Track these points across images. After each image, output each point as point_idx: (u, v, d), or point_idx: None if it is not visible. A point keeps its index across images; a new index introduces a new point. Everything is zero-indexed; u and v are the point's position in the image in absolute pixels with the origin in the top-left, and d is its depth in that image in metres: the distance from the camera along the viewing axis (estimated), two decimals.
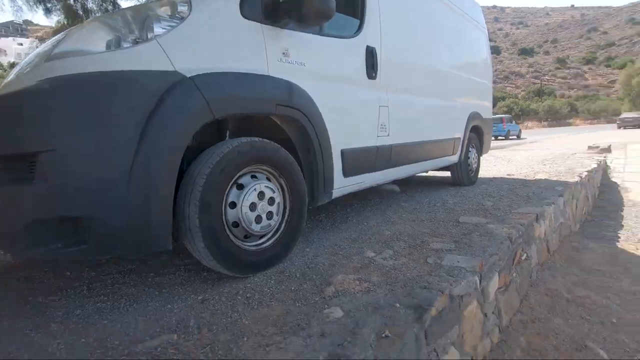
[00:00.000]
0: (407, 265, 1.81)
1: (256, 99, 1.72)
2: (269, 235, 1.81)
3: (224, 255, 1.57)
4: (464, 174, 4.20)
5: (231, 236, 1.63)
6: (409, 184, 4.59)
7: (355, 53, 2.38)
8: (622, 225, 4.47)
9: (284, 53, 1.86)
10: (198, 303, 1.49)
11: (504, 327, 2.02)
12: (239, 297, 1.52)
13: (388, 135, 2.71)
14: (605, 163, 6.92)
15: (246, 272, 1.70)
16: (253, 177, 1.74)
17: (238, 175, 1.66)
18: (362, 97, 2.45)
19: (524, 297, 2.33)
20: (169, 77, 1.42)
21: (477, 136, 4.58)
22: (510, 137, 21.01)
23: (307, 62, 1.99)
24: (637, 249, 3.71)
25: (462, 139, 4.06)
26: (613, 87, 55.54)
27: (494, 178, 4.95)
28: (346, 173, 2.34)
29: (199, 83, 1.48)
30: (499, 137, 20.51)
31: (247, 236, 1.71)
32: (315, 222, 2.77)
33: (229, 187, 1.62)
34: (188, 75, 1.46)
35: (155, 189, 1.36)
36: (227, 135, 1.94)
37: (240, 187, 1.67)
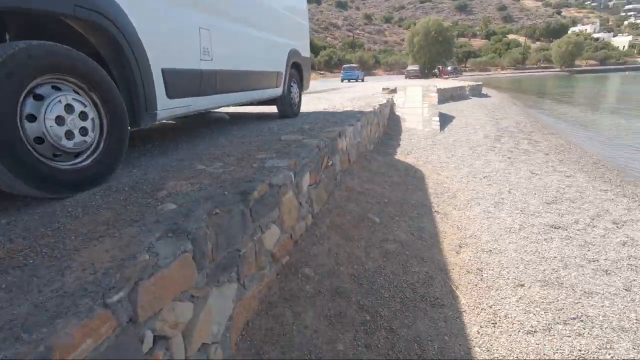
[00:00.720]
0: (235, 170, 2.06)
1: None
2: (87, 154, 1.70)
3: (29, 173, 1.42)
4: (287, 106, 4.67)
5: (35, 153, 1.47)
6: (240, 118, 4.79)
7: None
8: (399, 145, 6.04)
9: None
10: (2, 226, 1.34)
11: (316, 214, 2.61)
12: (58, 213, 1.44)
13: (212, 60, 2.75)
14: (393, 100, 8.90)
15: (62, 192, 1.59)
16: (55, 88, 1.55)
17: (33, 84, 1.46)
18: (180, 15, 2.38)
19: (330, 193, 3.00)
20: None
21: (297, 72, 5.07)
22: (359, 80, 27.96)
23: None
24: (405, 158, 5.17)
25: (284, 73, 4.44)
26: (403, 44, 68.39)
27: (314, 112, 5.69)
28: (170, 94, 2.31)
29: None
30: (351, 80, 27.34)
31: (59, 154, 1.57)
32: (143, 151, 2.67)
33: (22, 96, 1.42)
34: None
35: None
36: (7, 39, 1.62)
37: (40, 98, 1.48)
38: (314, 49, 50.40)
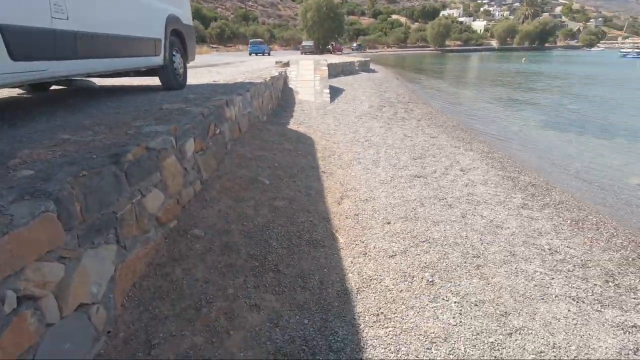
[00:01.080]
0: (107, 137, 1.96)
1: None
2: None
3: None
4: (171, 77, 4.39)
5: None
6: (118, 90, 4.35)
7: None
8: (292, 115, 6.26)
9: None
10: None
11: (205, 180, 2.65)
12: None
13: (67, 19, 2.45)
14: (286, 74, 9.04)
15: None
16: None
17: None
18: None
19: (220, 160, 3.04)
20: None
21: (179, 41, 4.76)
22: (265, 54, 28.99)
23: None
24: (297, 127, 5.42)
25: (163, 41, 4.14)
26: (297, 19, 68.22)
27: (203, 84, 5.47)
28: (15, 56, 2.02)
29: None
30: (258, 54, 28.45)
31: None
32: None
33: None
34: None
35: None
36: None
37: None
38: (204, 20, 46.67)
